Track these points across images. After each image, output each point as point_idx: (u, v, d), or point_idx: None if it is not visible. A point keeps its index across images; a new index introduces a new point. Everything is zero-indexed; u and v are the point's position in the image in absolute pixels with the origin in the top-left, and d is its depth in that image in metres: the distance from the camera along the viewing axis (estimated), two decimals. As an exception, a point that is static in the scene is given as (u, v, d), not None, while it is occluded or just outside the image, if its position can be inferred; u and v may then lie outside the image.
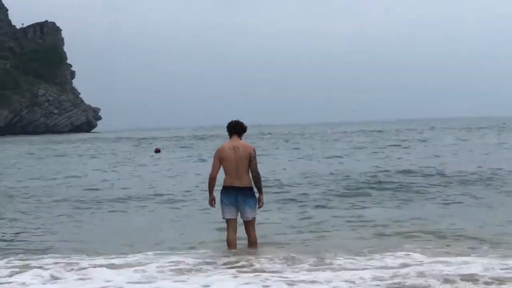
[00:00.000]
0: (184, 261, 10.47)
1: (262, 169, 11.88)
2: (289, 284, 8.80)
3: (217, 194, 11.29)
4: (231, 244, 11.31)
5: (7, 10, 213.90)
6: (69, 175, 31.24)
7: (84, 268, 10.09)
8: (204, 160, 40.01)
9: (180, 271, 9.78)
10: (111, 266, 10.24)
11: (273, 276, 9.29)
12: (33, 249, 12.55)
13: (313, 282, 8.91)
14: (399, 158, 34.67)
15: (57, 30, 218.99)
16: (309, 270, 9.66)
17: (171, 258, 10.84)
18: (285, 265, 10.07)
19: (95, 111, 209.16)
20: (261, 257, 10.73)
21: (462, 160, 31.86)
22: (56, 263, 10.60)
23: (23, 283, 9.25)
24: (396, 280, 8.88)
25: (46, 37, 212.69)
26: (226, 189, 11.15)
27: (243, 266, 10.05)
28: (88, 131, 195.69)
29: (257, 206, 11.24)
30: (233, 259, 10.72)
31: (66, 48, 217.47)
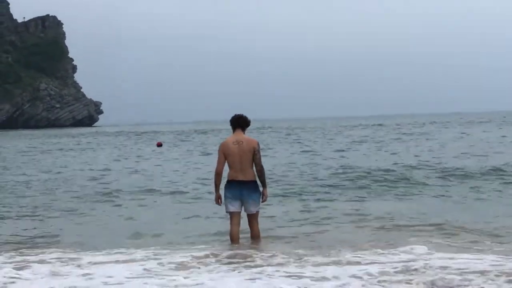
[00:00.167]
0: (186, 256, 10.40)
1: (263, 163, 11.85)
2: (295, 280, 8.72)
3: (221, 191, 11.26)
4: (234, 238, 11.29)
5: (8, 4, 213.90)
6: (71, 169, 31.21)
7: (85, 263, 10.03)
8: (205, 154, 39.97)
9: (183, 266, 9.71)
10: (112, 261, 10.18)
11: (278, 271, 9.22)
12: (34, 243, 12.48)
13: (320, 278, 8.85)
14: (395, 154, 34.56)
15: (59, 24, 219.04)
16: (315, 265, 9.58)
17: (173, 252, 10.79)
18: (290, 260, 9.99)
19: (97, 105, 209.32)
20: (265, 252, 10.69)
21: (465, 154, 31.75)
22: (57, 258, 10.56)
23: (24, 279, 9.20)
24: (403, 276, 8.83)
25: (47, 31, 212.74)
26: (230, 183, 11.15)
27: (247, 261, 9.99)
28: (89, 125, 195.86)
29: (261, 200, 11.25)
30: (237, 253, 10.67)
31: (67, 42, 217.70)
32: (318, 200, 17.79)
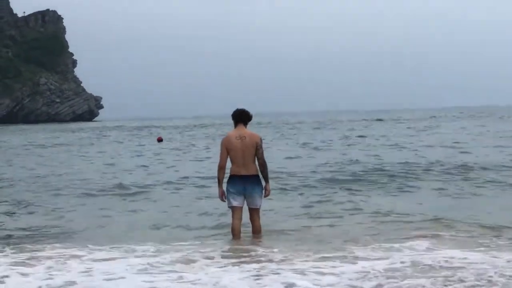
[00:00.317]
0: (188, 251, 10.35)
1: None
2: (299, 275, 8.67)
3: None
4: (236, 232, 11.28)
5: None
6: (72, 165, 31.18)
7: (85, 259, 9.97)
8: (206, 149, 39.98)
9: (186, 261, 9.64)
10: (113, 257, 10.12)
11: (282, 266, 9.17)
12: (35, 239, 12.37)
13: (326, 273, 8.81)
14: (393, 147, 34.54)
15: (59, 18, 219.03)
16: (319, 260, 9.54)
17: (174, 248, 10.73)
18: (293, 255, 9.93)
19: (97, 100, 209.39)
20: (267, 247, 10.66)
21: (467, 149, 31.72)
22: (57, 253, 10.47)
23: (22, 274, 9.13)
24: (412, 271, 8.80)
25: (47, 26, 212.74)
26: (233, 178, 11.12)
27: (250, 256, 9.94)
28: (89, 120, 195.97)
29: (263, 194, 11.21)
30: (239, 248, 10.64)
31: (67, 37, 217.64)
32: (317, 194, 17.80)
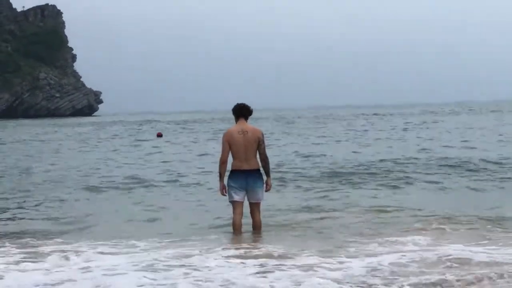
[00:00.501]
0: (190, 247, 10.30)
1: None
2: (305, 271, 8.60)
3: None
4: (236, 227, 11.27)
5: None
6: (72, 160, 31.15)
7: (85, 255, 9.89)
8: (206, 144, 39.96)
9: (188, 257, 9.56)
10: (116, 252, 10.06)
11: (288, 262, 9.11)
12: (37, 235, 12.25)
13: (331, 268, 8.76)
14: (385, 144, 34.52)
15: (58, 13, 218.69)
16: (325, 256, 9.49)
17: (176, 244, 10.67)
18: (298, 250, 9.88)
19: (97, 94, 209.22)
20: (270, 242, 10.66)
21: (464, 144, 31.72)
22: (59, 249, 10.40)
23: (25, 270, 9.07)
24: (416, 267, 8.78)
25: (47, 20, 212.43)
26: (234, 173, 11.11)
27: (255, 252, 9.88)
28: (89, 114, 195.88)
29: (264, 189, 11.21)
30: (243, 244, 10.62)
31: (67, 31, 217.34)
32: (315, 188, 17.88)
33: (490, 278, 8.13)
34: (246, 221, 11.48)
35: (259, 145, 11.05)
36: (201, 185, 19.26)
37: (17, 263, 9.49)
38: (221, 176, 11.22)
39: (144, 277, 8.44)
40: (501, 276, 8.20)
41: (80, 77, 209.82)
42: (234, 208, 11.25)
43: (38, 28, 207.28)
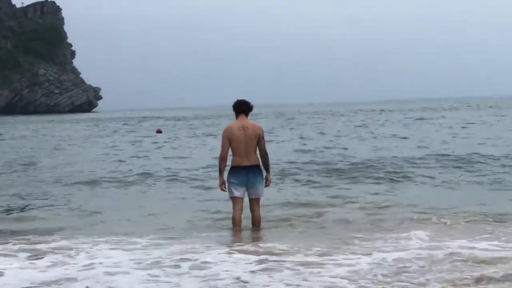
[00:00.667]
0: (192, 244, 10.27)
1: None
2: (311, 268, 8.57)
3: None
4: (236, 222, 11.29)
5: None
6: (72, 156, 31.13)
7: (89, 252, 9.84)
8: (205, 140, 39.95)
9: (192, 254, 9.52)
10: (117, 249, 10.02)
11: (291, 259, 9.09)
12: (39, 232, 12.16)
13: (339, 265, 8.74)
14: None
15: (57, 9, 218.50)
16: (327, 253, 9.48)
17: (177, 241, 10.65)
18: (301, 247, 9.85)
19: (96, 90, 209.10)
20: (273, 238, 10.67)
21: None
22: (61, 246, 10.37)
23: (26, 268, 9.03)
24: (423, 263, 8.76)
25: (46, 17, 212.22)
26: (235, 169, 11.13)
27: (259, 249, 9.85)
28: (88, 110, 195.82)
29: (264, 184, 11.22)
30: (245, 240, 10.66)
31: (66, 28, 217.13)
32: (312, 183, 17.98)
33: (497, 273, 8.15)
34: (245, 217, 11.47)
35: (259, 141, 11.07)
36: (200, 181, 19.26)
37: (19, 260, 9.45)
38: (220, 172, 11.23)
39: (148, 274, 8.40)
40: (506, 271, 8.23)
41: (79, 73, 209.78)
42: (234, 204, 11.27)
43: (37, 24, 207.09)
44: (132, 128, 66.41)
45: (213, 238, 10.88)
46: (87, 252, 9.85)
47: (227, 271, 8.52)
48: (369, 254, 9.26)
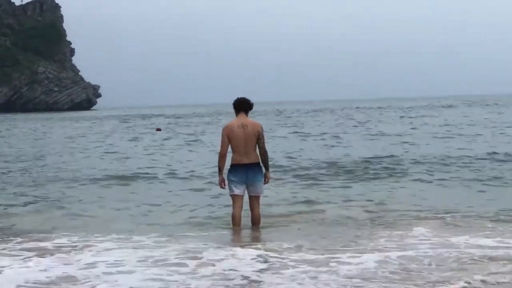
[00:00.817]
0: (195, 243, 10.27)
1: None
2: (317, 267, 8.56)
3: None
4: (236, 220, 11.31)
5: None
6: (71, 154, 31.16)
7: (91, 251, 9.86)
8: (203, 139, 39.93)
9: (195, 253, 9.51)
10: (120, 248, 10.02)
11: (297, 257, 9.07)
12: (41, 230, 12.13)
13: (345, 263, 8.73)
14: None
15: (56, 7, 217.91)
16: (329, 251, 9.48)
17: (179, 239, 10.65)
18: (305, 245, 9.87)
19: (95, 88, 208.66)
20: (276, 237, 10.70)
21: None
22: (63, 244, 10.39)
23: (27, 266, 9.00)
24: (429, 261, 8.80)
25: (45, 14, 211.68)
26: (235, 167, 11.15)
27: (262, 247, 9.85)
28: (87, 108, 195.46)
29: (263, 182, 11.24)
30: (248, 239, 10.70)
31: (65, 25, 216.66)
32: (311, 179, 18.11)
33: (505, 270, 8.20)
34: (245, 214, 11.49)
35: (259, 139, 11.07)
36: (200, 178, 19.28)
37: (20, 258, 9.42)
38: (220, 170, 11.25)
39: (152, 273, 8.37)
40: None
41: (79, 71, 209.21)
42: (234, 202, 11.28)
43: (37, 22, 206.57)
44: (131, 126, 66.32)
45: (215, 237, 10.90)
46: (89, 251, 9.85)
47: (234, 270, 8.48)
48: (373, 252, 9.25)
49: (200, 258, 9.13)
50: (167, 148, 32.98)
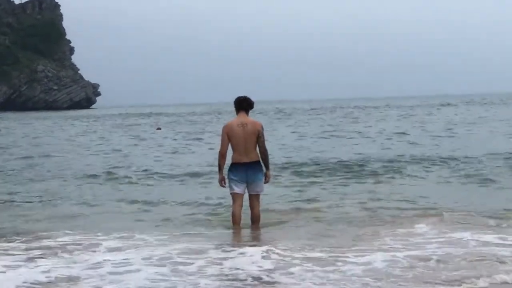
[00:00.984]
0: (197, 242, 10.26)
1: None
2: (323, 267, 8.53)
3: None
4: (236, 219, 11.32)
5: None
6: (71, 153, 31.18)
7: (94, 250, 9.84)
8: (203, 138, 39.96)
9: (197, 251, 9.51)
10: (122, 247, 10.00)
11: (303, 257, 9.04)
12: (44, 230, 12.02)
13: (350, 263, 8.71)
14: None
15: (56, 5, 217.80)
16: (333, 250, 9.47)
17: (180, 238, 10.65)
18: (309, 244, 9.87)
19: (94, 87, 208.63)
20: (278, 235, 10.73)
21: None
22: (67, 244, 10.34)
23: (34, 267, 8.93)
24: (436, 259, 8.80)
25: (44, 13, 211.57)
26: (235, 166, 11.16)
27: (265, 245, 9.83)
28: (87, 107, 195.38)
29: (264, 180, 11.24)
30: (250, 237, 10.72)
31: (64, 24, 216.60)
32: (310, 178, 18.21)
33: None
34: (244, 211, 11.49)
35: (259, 137, 11.07)
36: (200, 177, 19.31)
37: (25, 259, 9.38)
38: (220, 168, 11.27)
39: (158, 272, 8.34)
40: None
41: (78, 69, 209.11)
42: (234, 200, 11.29)
43: (36, 20, 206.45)
44: (131, 124, 66.29)
45: (217, 235, 10.92)
46: (93, 251, 9.82)
47: (242, 269, 8.46)
48: (379, 251, 9.24)
49: (206, 257, 9.12)
50: (167, 147, 32.98)
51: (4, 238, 11.08)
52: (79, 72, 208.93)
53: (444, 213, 12.29)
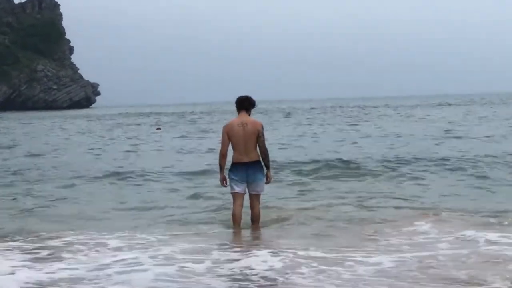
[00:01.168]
0: (199, 241, 10.27)
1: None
2: (330, 266, 8.52)
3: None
4: (236, 218, 11.32)
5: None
6: (71, 153, 31.20)
7: (102, 250, 9.82)
8: (203, 137, 39.95)
9: (202, 251, 9.52)
10: (123, 246, 10.02)
11: (309, 257, 9.02)
12: (48, 230, 11.96)
13: (359, 263, 8.68)
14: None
15: (55, 5, 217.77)
16: (339, 250, 9.47)
17: (183, 237, 10.66)
18: (314, 244, 9.85)
19: (94, 86, 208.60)
20: (280, 235, 10.74)
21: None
22: (73, 244, 10.35)
23: (39, 268, 8.89)
24: (443, 259, 8.81)
25: (44, 12, 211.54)
26: (235, 166, 11.18)
27: (267, 245, 9.84)
28: (86, 106, 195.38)
29: (264, 181, 11.25)
30: (252, 237, 10.73)
31: (64, 24, 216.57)
32: (309, 176, 18.30)
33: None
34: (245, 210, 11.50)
35: (259, 137, 11.07)
36: (200, 176, 19.33)
37: (29, 258, 9.36)
38: (221, 168, 11.30)
39: (165, 272, 8.32)
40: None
41: (78, 69, 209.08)
42: (234, 200, 11.31)
43: (36, 20, 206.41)
44: (131, 124, 66.27)
45: (217, 235, 10.93)
46: (97, 250, 9.83)
47: (251, 269, 8.43)
48: (386, 251, 9.23)
49: (212, 257, 9.12)
50: (167, 146, 32.99)
51: (8, 238, 11.09)
52: (78, 71, 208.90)
53: (443, 212, 12.32)
